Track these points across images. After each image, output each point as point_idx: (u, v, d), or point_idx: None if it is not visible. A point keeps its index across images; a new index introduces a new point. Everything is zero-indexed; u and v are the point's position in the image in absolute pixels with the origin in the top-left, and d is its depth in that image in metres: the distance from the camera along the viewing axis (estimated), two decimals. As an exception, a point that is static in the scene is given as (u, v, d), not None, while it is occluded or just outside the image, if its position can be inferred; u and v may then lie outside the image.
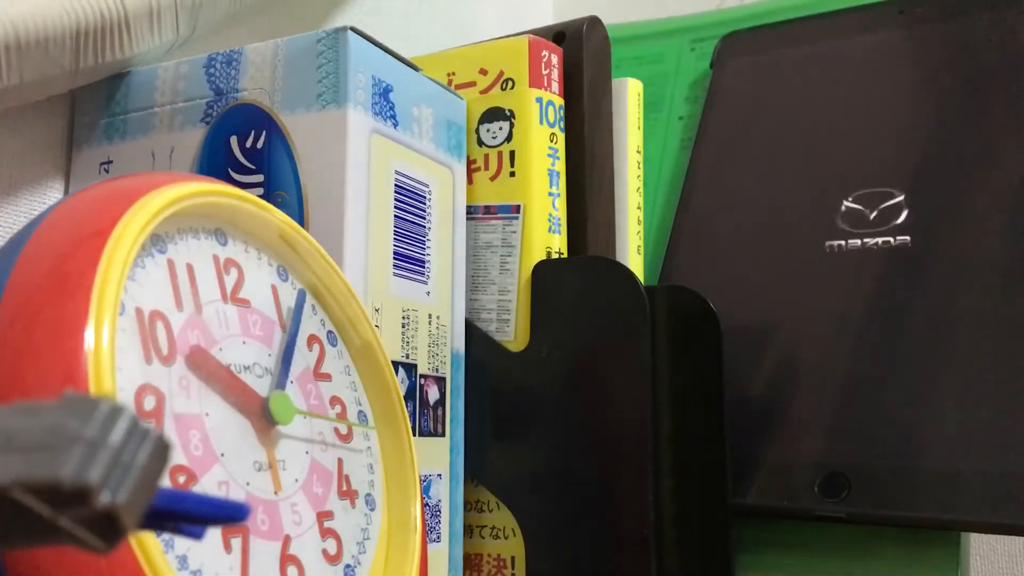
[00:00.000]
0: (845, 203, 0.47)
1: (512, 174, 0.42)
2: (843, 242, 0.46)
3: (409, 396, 0.37)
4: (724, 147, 0.52)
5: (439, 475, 0.38)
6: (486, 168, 0.43)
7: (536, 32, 0.45)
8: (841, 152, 0.49)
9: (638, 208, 0.47)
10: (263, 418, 0.27)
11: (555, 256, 0.42)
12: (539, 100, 0.42)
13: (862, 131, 0.49)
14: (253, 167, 0.36)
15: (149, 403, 0.24)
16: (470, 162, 0.43)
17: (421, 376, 0.38)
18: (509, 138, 0.42)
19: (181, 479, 0.24)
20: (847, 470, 0.40)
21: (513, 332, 0.41)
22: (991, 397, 0.39)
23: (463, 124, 0.42)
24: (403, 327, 0.37)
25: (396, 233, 0.37)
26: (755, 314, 0.46)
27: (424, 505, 0.36)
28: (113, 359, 0.22)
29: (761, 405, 0.44)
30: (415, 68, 0.39)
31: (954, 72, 0.48)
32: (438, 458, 0.38)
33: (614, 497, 0.38)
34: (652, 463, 0.38)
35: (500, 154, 0.42)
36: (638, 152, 0.47)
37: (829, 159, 0.49)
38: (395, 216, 0.37)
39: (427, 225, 0.38)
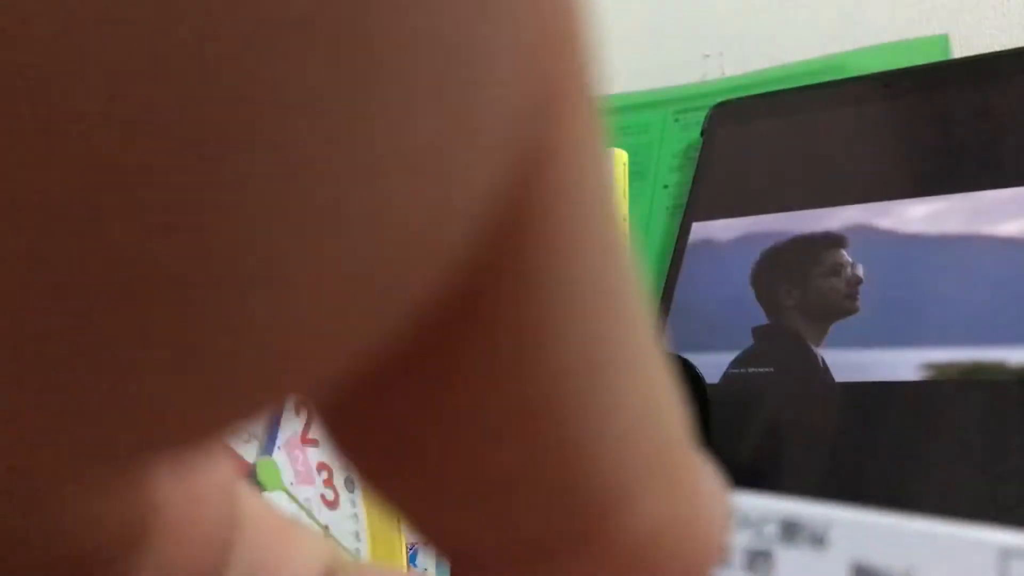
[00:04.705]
0: (829, 270, 0.47)
1: (500, 241, 0.42)
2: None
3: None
4: (714, 214, 0.53)
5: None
6: (474, 235, 0.43)
7: (523, 102, 0.45)
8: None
9: (624, 275, 0.47)
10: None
11: (542, 322, 0.42)
12: (526, 169, 0.43)
13: (848, 201, 0.50)
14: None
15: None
16: (458, 229, 0.43)
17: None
18: (497, 206, 0.43)
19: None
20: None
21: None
22: (978, 463, 0.39)
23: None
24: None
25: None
26: (743, 380, 0.46)
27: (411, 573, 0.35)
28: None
29: (747, 470, 0.43)
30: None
31: (939, 145, 0.49)
32: (425, 526, 0.38)
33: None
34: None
35: (488, 221, 0.43)
36: (624, 220, 0.47)
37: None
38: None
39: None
